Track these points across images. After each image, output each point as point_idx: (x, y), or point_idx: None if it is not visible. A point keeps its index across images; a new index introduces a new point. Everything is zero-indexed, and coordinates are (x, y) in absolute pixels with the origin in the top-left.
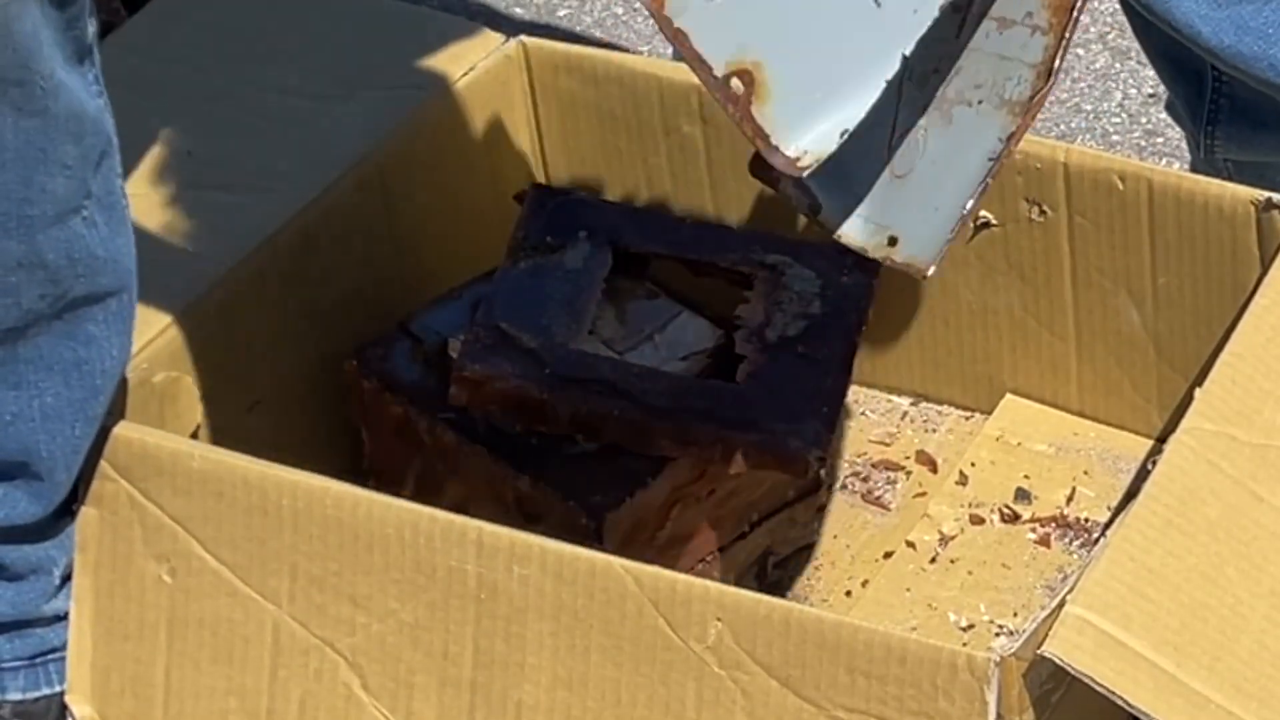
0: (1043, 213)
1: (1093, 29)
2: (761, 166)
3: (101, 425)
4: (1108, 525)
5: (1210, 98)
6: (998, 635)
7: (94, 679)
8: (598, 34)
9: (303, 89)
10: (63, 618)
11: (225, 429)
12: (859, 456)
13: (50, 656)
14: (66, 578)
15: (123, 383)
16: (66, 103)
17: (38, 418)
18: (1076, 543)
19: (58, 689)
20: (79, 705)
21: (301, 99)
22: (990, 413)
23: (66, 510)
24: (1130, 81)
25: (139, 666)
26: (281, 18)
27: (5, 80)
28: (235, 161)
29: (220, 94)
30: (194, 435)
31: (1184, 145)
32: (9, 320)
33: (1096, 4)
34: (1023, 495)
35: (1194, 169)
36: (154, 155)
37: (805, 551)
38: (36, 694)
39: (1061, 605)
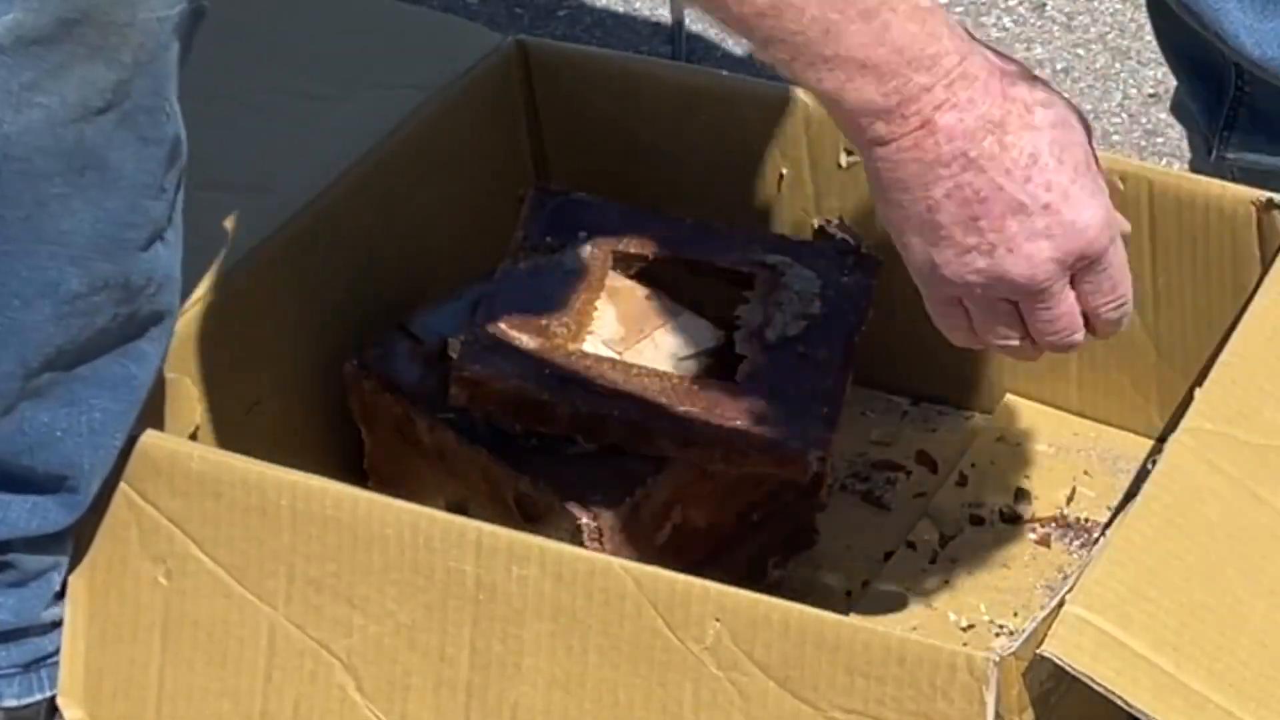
0: None
1: (1093, 29)
2: None
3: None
4: (1108, 525)
5: (1230, 104)
6: (998, 635)
7: (86, 681)
8: (598, 34)
9: (302, 89)
10: (58, 624)
11: (225, 429)
12: (859, 456)
13: (45, 663)
14: (65, 582)
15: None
16: (174, 129)
17: (85, 432)
18: (1076, 543)
19: (49, 694)
20: (70, 708)
21: (301, 99)
22: (990, 413)
23: None
24: (1130, 81)
25: (133, 668)
26: (281, 18)
27: (138, 108)
28: (235, 161)
29: (220, 94)
30: (194, 436)
31: (1184, 145)
32: (79, 340)
33: (1097, 4)
34: (1023, 495)
35: (1194, 170)
36: None
37: (805, 551)
38: (29, 700)
39: (1061, 605)
